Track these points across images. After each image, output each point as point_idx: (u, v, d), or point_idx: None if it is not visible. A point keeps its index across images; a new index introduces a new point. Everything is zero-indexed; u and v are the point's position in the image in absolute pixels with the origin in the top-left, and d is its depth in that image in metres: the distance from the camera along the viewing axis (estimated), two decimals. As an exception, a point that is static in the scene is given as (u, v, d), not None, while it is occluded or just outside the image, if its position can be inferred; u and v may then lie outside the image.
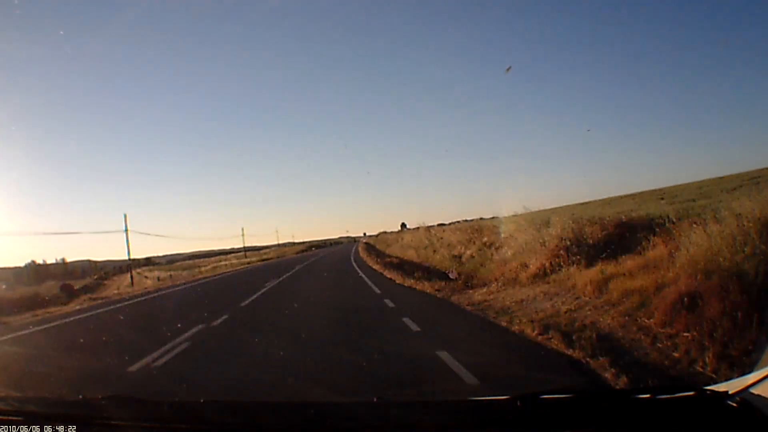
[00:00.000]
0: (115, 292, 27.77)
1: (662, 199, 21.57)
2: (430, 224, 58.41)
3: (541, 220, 12.56)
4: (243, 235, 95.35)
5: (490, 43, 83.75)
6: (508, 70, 48.48)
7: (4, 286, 29.20)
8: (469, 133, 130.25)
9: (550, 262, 9.70)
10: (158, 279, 38.78)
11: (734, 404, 1.45)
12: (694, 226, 6.71)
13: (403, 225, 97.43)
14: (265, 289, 15.31)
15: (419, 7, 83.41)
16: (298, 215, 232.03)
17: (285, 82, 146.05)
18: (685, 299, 5.06)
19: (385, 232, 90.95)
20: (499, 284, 10.33)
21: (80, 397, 1.95)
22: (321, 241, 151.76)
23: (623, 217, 10.52)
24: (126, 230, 39.14)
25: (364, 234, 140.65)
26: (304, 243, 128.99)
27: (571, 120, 76.48)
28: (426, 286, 11.87)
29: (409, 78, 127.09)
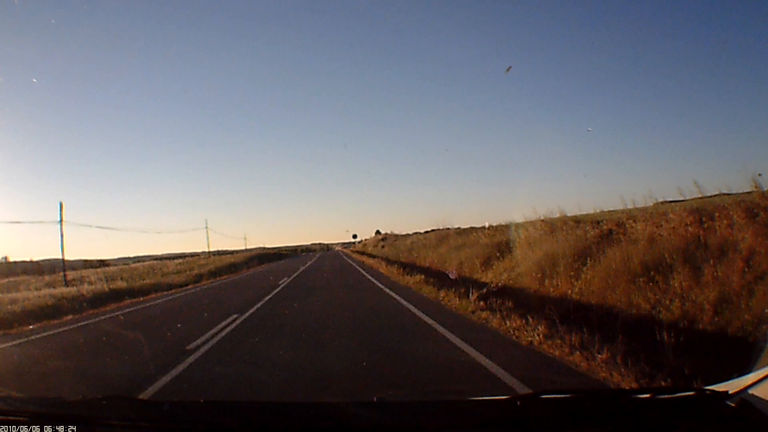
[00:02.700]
0: None
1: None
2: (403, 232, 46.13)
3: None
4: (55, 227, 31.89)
5: (489, 42, 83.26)
6: (508, 70, 48.12)
7: None
8: (463, 135, 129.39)
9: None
10: None
11: (734, 404, 1.46)
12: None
13: (377, 232, 77.79)
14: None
15: (417, 7, 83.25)
16: (267, 220, 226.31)
17: (253, 83, 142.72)
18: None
19: (394, 234, 55.49)
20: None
21: (80, 397, 1.96)
22: (288, 248, 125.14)
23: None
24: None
25: (354, 236, 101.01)
26: (252, 250, 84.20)
27: (572, 121, 75.71)
28: None
29: (396, 80, 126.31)
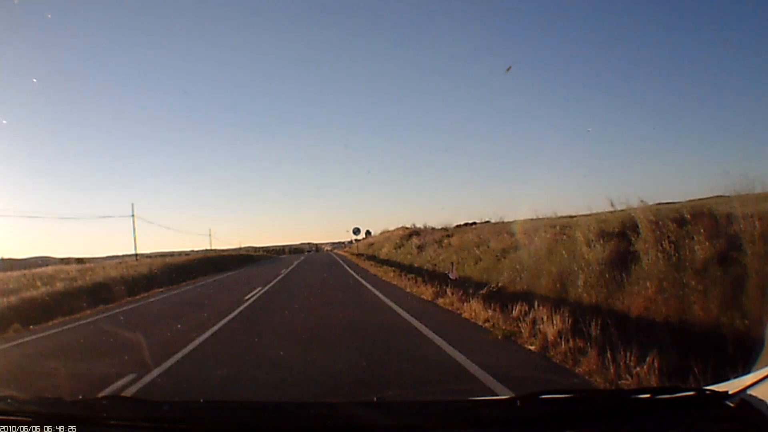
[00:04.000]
0: None
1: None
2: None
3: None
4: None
5: (489, 42, 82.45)
6: (508, 70, 47.91)
7: None
8: (462, 134, 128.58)
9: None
10: None
11: (733, 404, 1.47)
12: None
13: (368, 233, 75.10)
14: None
15: (417, 6, 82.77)
16: (262, 220, 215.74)
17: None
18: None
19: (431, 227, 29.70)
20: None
21: (80, 397, 1.95)
22: (274, 248, 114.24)
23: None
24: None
25: (357, 231, 70.96)
26: (233, 250, 72.86)
27: (573, 121, 75.13)
28: None
29: (391, 75, 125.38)
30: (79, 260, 43.15)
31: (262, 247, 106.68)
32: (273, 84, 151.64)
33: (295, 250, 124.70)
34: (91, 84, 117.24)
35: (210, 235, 77.29)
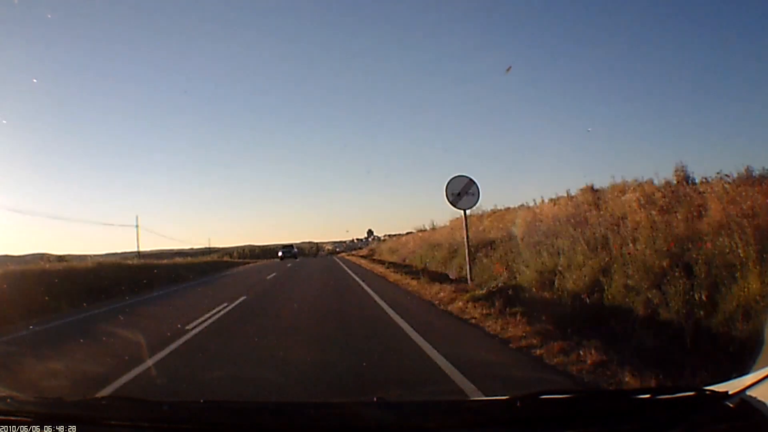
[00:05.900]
0: None
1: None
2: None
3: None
4: None
5: (489, 43, 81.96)
6: (508, 70, 47.77)
7: None
8: (462, 134, 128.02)
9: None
10: None
11: (733, 405, 1.47)
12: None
13: (370, 232, 60.76)
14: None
15: (417, 6, 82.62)
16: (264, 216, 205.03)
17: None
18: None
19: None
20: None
21: (80, 397, 1.96)
22: (272, 246, 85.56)
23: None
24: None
25: (457, 196, 11.92)
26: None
27: (572, 120, 74.61)
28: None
29: (390, 72, 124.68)
30: (61, 257, 31.22)
31: (259, 246, 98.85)
32: (271, 81, 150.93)
33: (290, 249, 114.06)
34: (90, 84, 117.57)
35: (137, 227, 47.96)
